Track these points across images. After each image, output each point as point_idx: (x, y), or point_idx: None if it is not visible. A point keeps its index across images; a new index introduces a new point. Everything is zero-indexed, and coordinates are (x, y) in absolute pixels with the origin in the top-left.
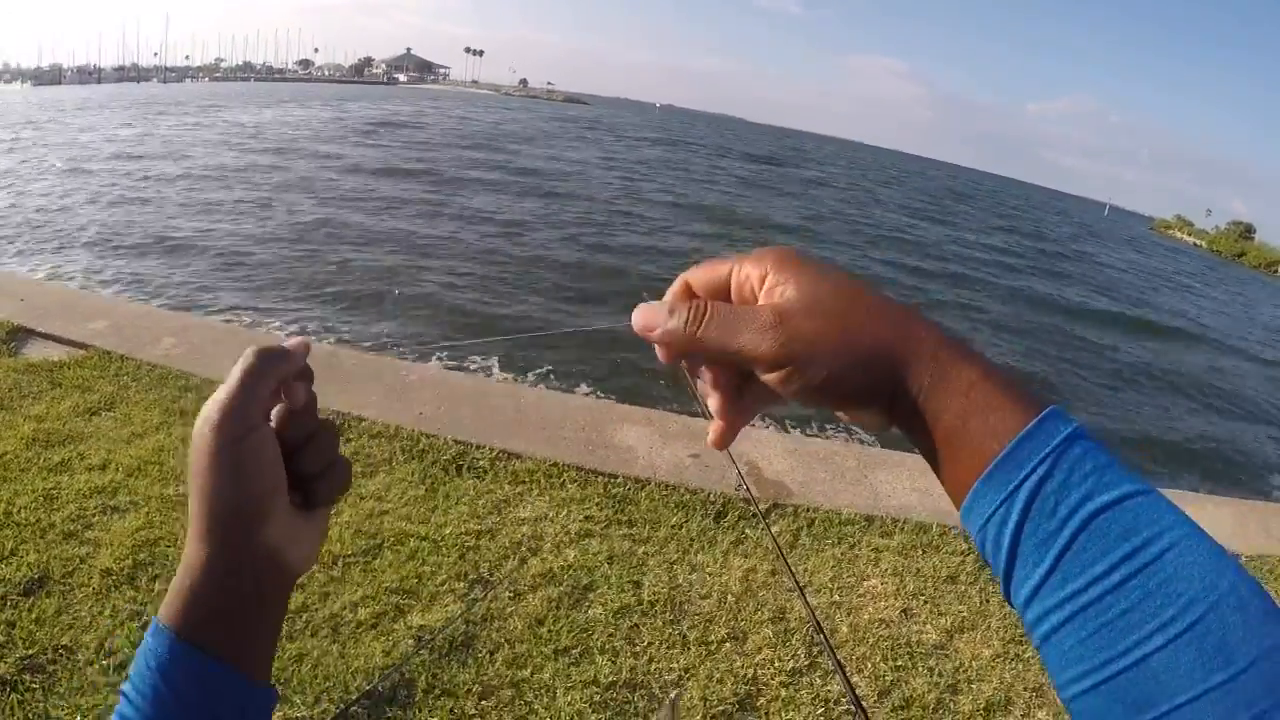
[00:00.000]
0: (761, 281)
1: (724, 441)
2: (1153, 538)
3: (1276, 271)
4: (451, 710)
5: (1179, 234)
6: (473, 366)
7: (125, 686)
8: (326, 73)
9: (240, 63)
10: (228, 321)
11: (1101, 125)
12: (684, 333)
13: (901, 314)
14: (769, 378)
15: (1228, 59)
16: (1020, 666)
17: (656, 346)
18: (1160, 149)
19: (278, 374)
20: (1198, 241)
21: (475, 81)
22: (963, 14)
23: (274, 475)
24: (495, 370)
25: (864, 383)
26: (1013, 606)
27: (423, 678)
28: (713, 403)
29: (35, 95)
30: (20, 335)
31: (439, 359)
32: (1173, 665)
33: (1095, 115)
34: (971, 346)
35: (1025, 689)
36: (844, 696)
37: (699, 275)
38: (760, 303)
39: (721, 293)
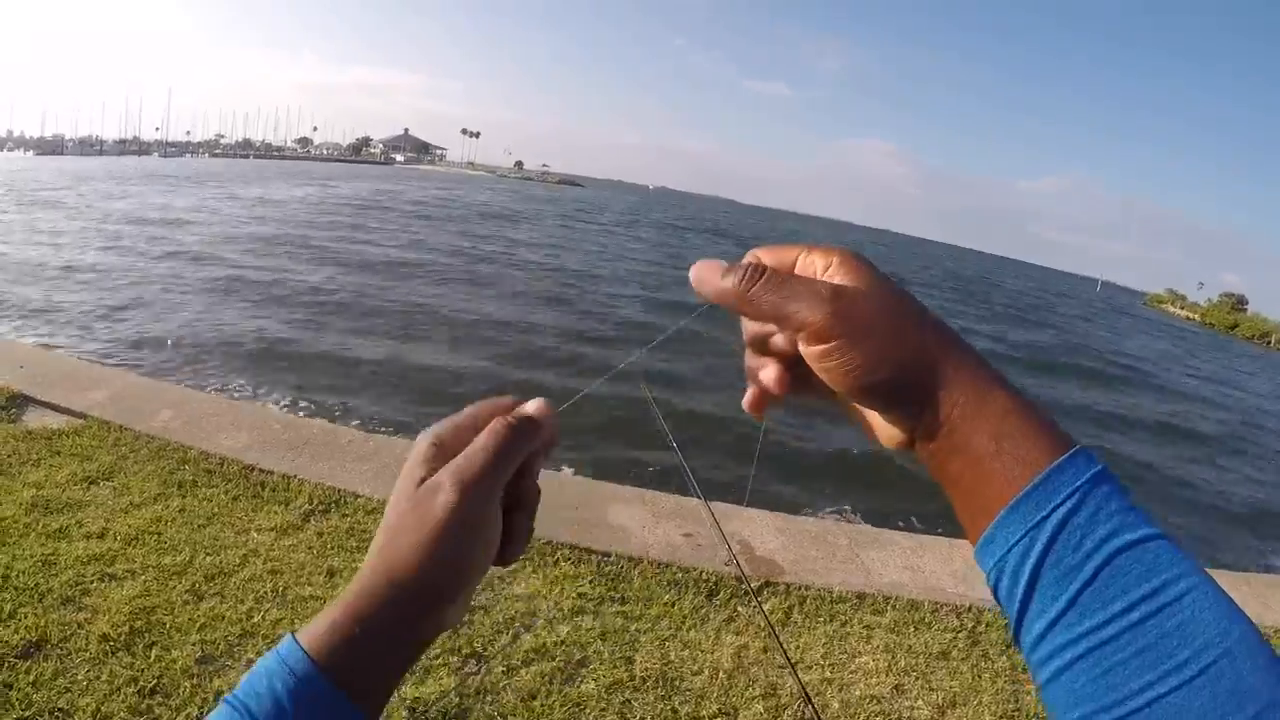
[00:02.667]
0: (825, 269)
1: (755, 405)
2: (1171, 580)
3: (1269, 342)
4: None
5: (1171, 308)
6: None
7: (237, 697)
8: (325, 151)
9: (240, 139)
10: (221, 391)
11: (1091, 201)
12: (736, 290)
13: (949, 333)
14: (810, 351)
15: (1216, 129)
16: None
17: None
18: (1150, 222)
19: (528, 449)
20: (1190, 315)
21: (471, 163)
22: (951, 94)
23: (491, 555)
24: None
25: (900, 381)
26: (1018, 645)
27: None
28: (765, 373)
29: (40, 164)
30: (20, 402)
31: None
32: (1186, 708)
33: (1084, 190)
34: (1006, 377)
35: None
36: None
37: (768, 252)
38: None
39: (787, 271)
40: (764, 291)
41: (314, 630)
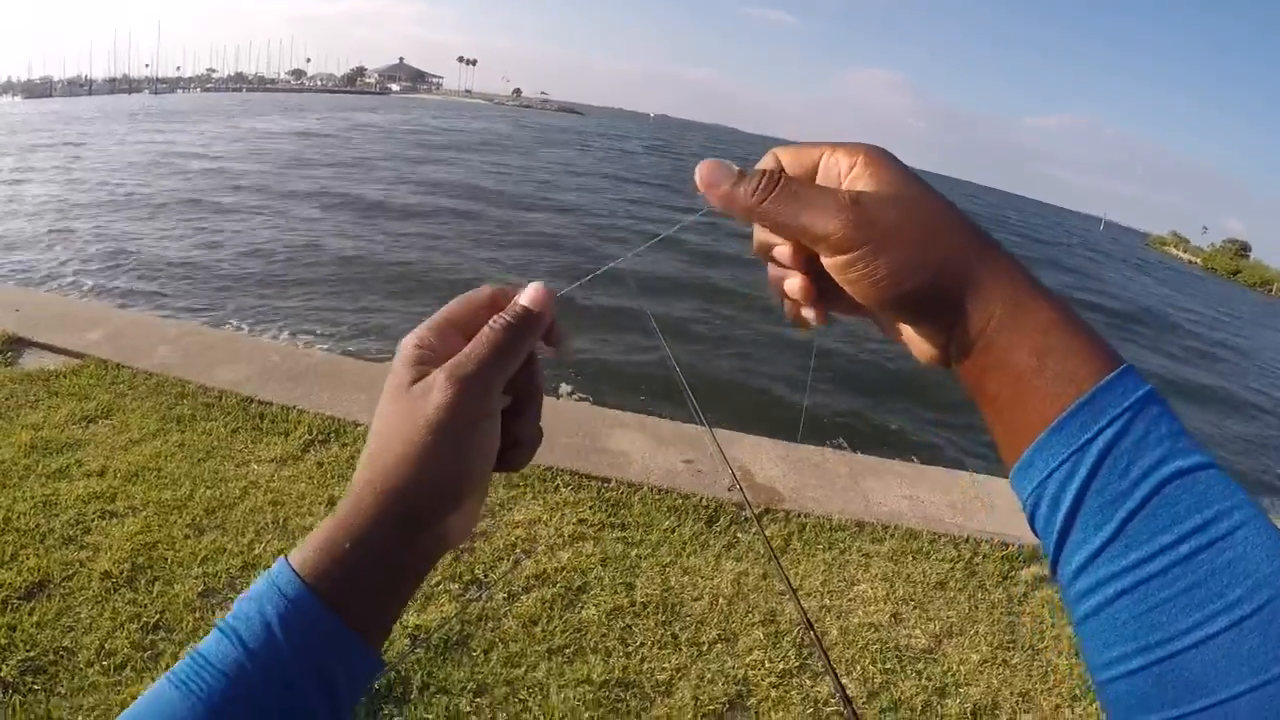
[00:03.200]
0: (850, 170)
1: (795, 317)
2: (1223, 512)
3: (1271, 290)
4: (447, 707)
5: (1174, 250)
6: None
7: (227, 622)
8: (319, 83)
9: (232, 73)
10: (221, 328)
11: (1096, 139)
12: (747, 200)
13: (983, 236)
14: (831, 263)
15: (1225, 72)
16: (1007, 672)
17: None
18: (1155, 164)
19: (529, 345)
20: (1193, 259)
21: (469, 91)
22: (960, 26)
23: (490, 461)
24: None
25: (930, 290)
26: (1054, 576)
27: (418, 675)
28: (791, 284)
29: (30, 108)
30: (16, 345)
31: None
32: (1235, 650)
33: (1090, 129)
34: (1047, 286)
35: (1012, 694)
36: (833, 698)
37: (789, 153)
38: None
39: (808, 177)
40: (778, 203)
41: (306, 551)
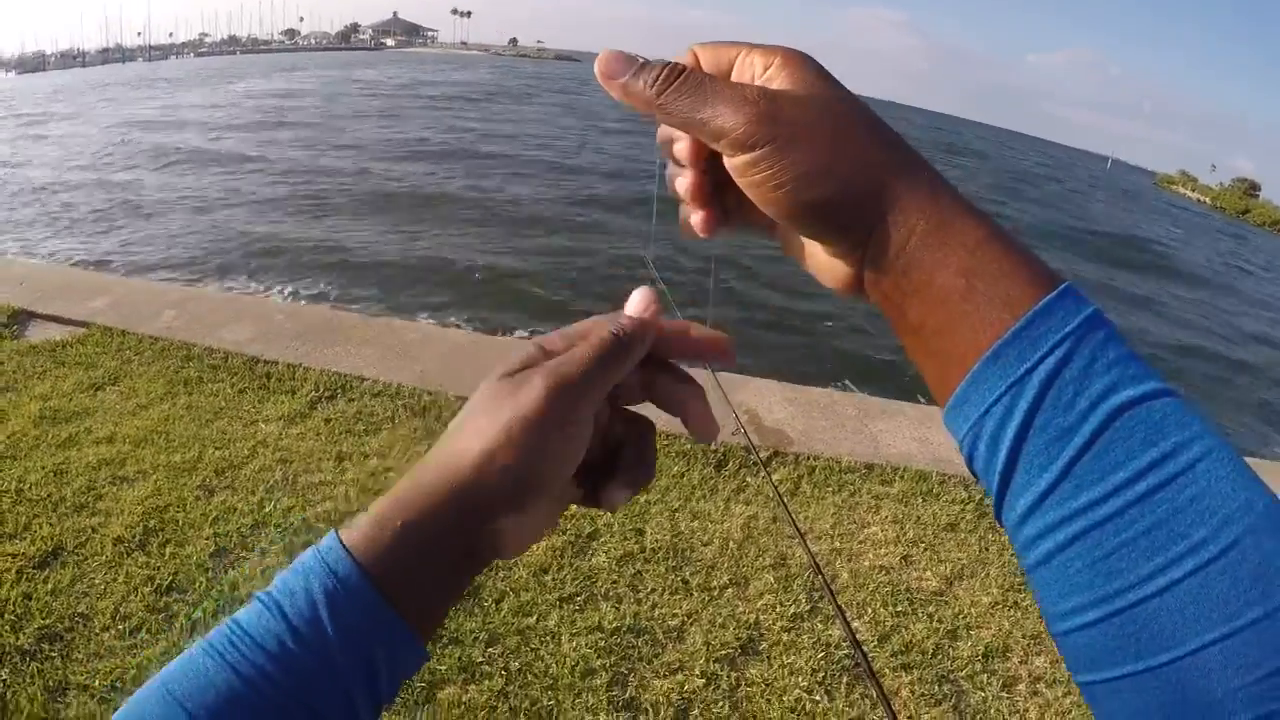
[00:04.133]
0: (764, 71)
1: (694, 228)
2: (1182, 445)
3: None
4: (459, 658)
5: (1183, 189)
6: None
7: (269, 595)
8: (313, 41)
9: (225, 37)
10: (227, 290)
11: (1102, 77)
12: (646, 93)
13: (905, 148)
14: (734, 162)
15: (1240, 4)
16: (1019, 614)
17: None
18: (1162, 102)
19: (636, 355)
20: (1201, 198)
21: (464, 43)
22: None
23: (567, 469)
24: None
25: (840, 198)
26: (1001, 523)
27: None
28: (681, 182)
29: (23, 83)
30: (22, 318)
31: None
32: (1203, 595)
33: (1095, 66)
34: (974, 202)
35: (1024, 636)
36: (844, 641)
37: (708, 50)
38: None
39: (723, 74)
40: (679, 95)
41: (359, 529)
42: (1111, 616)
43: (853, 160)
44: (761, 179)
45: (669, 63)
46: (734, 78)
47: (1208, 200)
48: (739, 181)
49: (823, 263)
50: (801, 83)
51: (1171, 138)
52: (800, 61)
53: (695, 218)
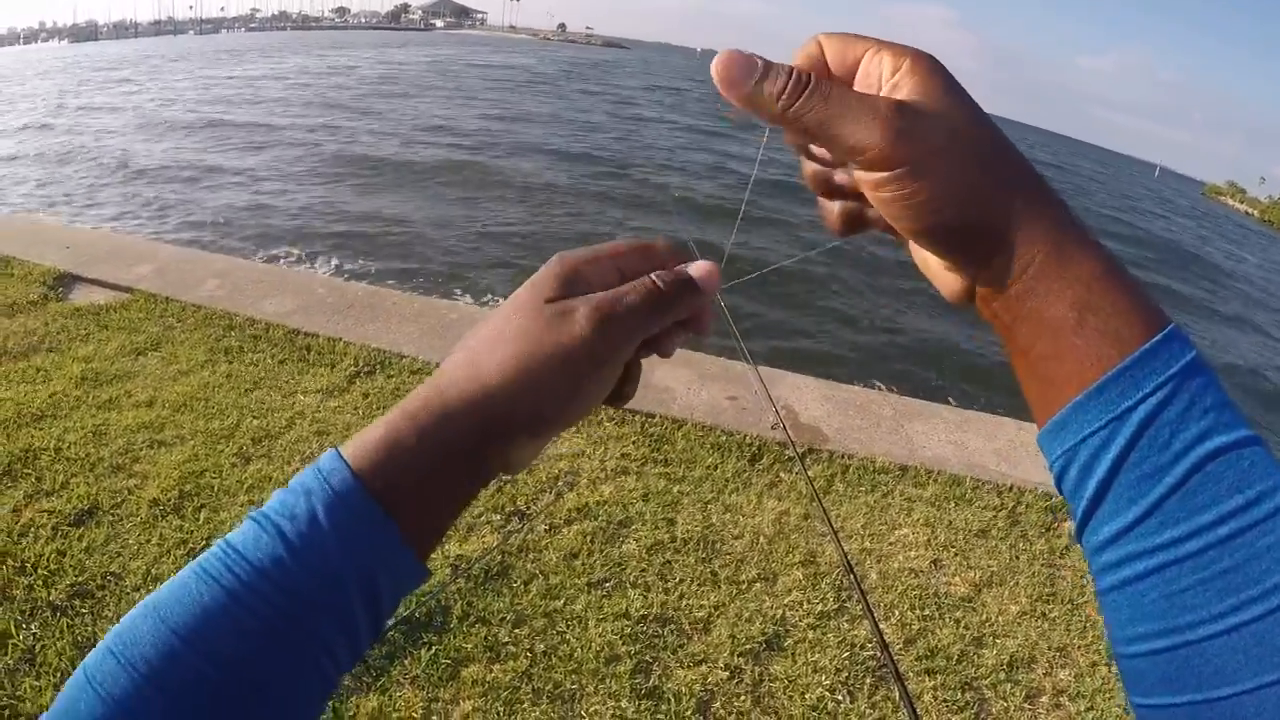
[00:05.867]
0: (893, 75)
1: (837, 222)
2: (1266, 493)
3: None
4: (486, 637)
5: (1231, 201)
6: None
7: (264, 514)
8: (363, 20)
9: (276, 12)
10: (269, 262)
11: (1152, 82)
12: (776, 104)
13: (1033, 173)
14: (865, 178)
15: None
16: (1045, 625)
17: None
18: (1213, 111)
19: (681, 314)
20: (1250, 210)
21: (513, 26)
22: None
23: (593, 405)
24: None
25: (969, 224)
26: (1080, 542)
27: (459, 605)
28: (815, 178)
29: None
30: (67, 281)
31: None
32: (1268, 639)
33: (1145, 70)
34: (1096, 236)
35: (1049, 648)
36: (870, 642)
37: (834, 42)
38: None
39: (849, 71)
40: (809, 108)
41: (362, 445)
42: (1178, 648)
43: (981, 189)
44: (892, 198)
45: (794, 69)
46: (860, 77)
47: (1255, 213)
48: (869, 196)
49: (939, 273)
50: (932, 93)
51: (1219, 146)
52: (931, 68)
53: (830, 217)
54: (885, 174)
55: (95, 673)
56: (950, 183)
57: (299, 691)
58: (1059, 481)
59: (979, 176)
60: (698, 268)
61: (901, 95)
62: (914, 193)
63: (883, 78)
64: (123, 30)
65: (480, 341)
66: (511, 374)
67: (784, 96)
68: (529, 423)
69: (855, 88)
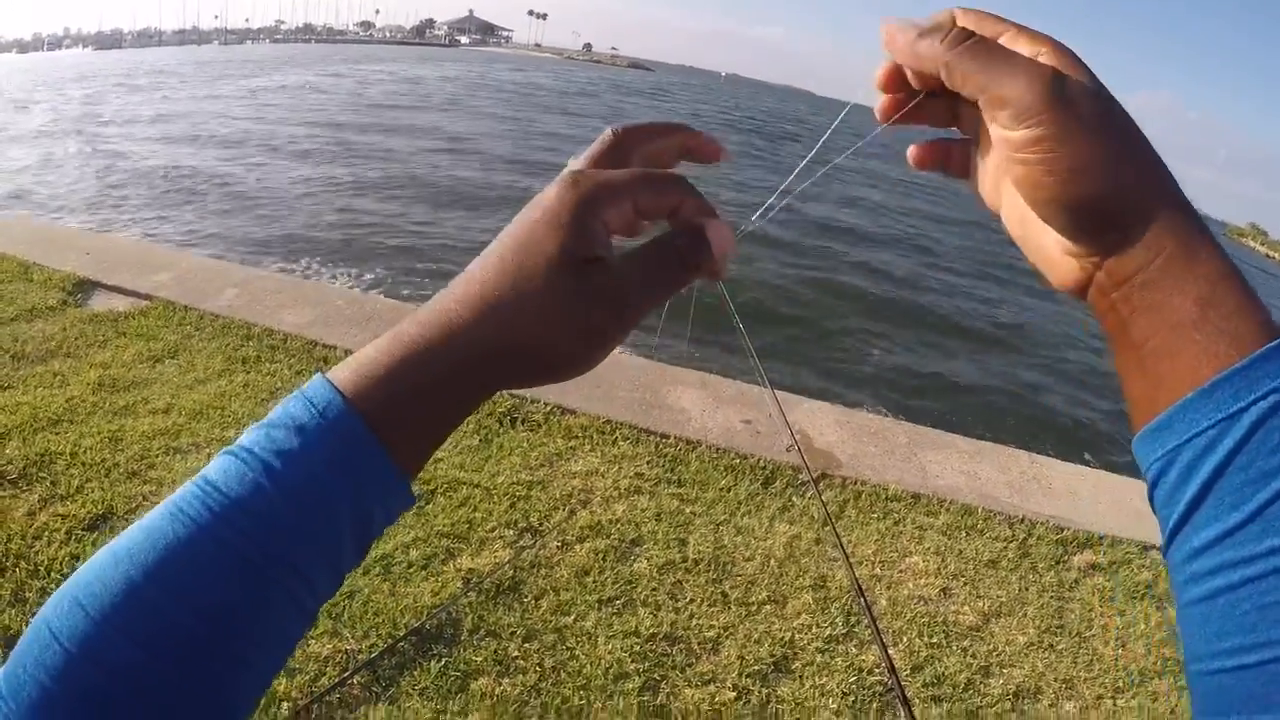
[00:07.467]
0: (1033, 57)
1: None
2: None
3: None
4: (495, 651)
5: (1252, 243)
6: None
7: (243, 447)
8: (387, 34)
9: (301, 24)
10: (284, 271)
11: (1179, 122)
12: (936, 49)
13: (1164, 168)
14: (1011, 135)
15: None
16: (1053, 657)
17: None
18: (1236, 150)
19: (671, 204)
20: (1271, 253)
21: (538, 45)
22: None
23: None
24: None
25: (1107, 201)
26: (1166, 551)
27: (469, 618)
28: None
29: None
30: (86, 287)
31: None
32: None
33: (1173, 110)
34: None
35: (1056, 679)
36: (878, 667)
37: (971, 17)
38: None
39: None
40: (969, 56)
41: (352, 372)
42: (1269, 664)
43: (1127, 167)
44: (1036, 159)
45: (957, 27)
46: None
47: (1277, 256)
48: (1009, 156)
49: (1052, 257)
50: (1079, 74)
51: (1241, 186)
52: (1071, 60)
53: (911, 148)
54: (1033, 131)
55: (59, 625)
56: (1097, 153)
57: (281, 628)
58: (1153, 487)
59: (1124, 154)
60: (716, 229)
61: None
62: (1059, 157)
63: None
64: (146, 39)
65: (483, 268)
66: (506, 306)
67: (948, 40)
68: (511, 343)
69: None
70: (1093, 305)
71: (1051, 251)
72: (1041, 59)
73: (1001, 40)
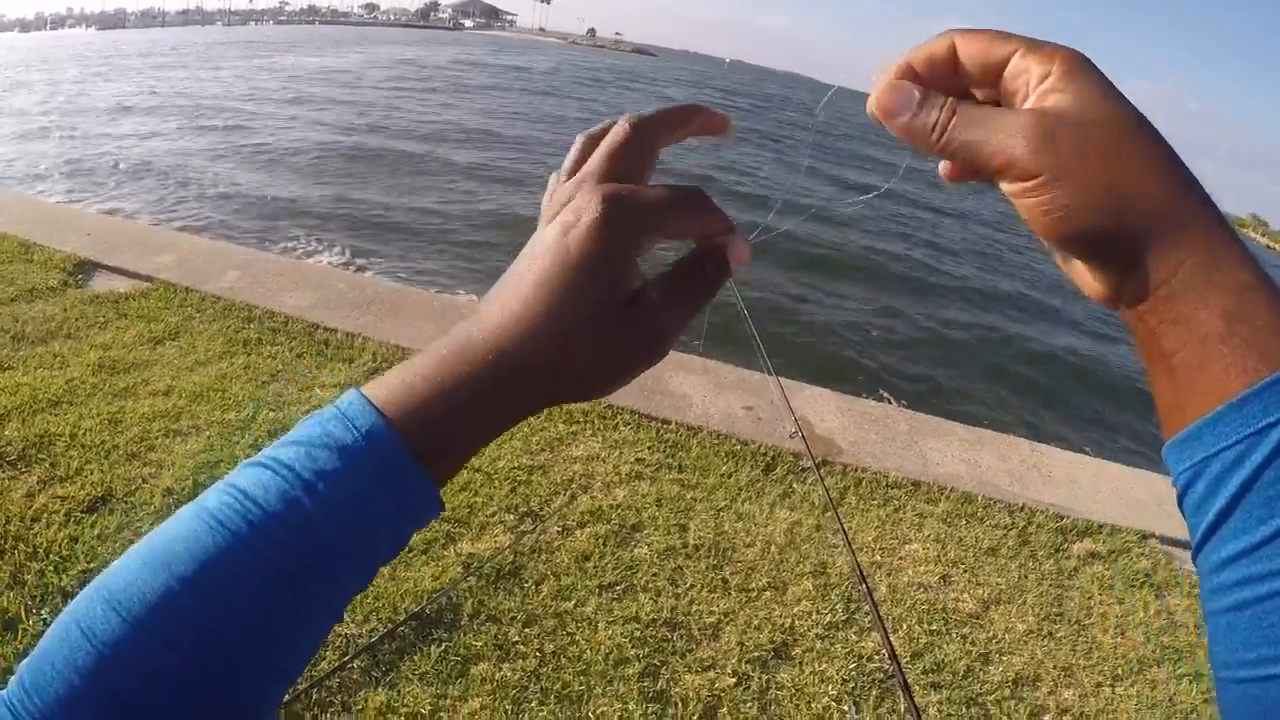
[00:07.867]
0: (1040, 81)
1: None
2: None
3: None
4: (495, 636)
5: (1253, 234)
6: None
7: (288, 462)
8: (391, 17)
9: (305, 6)
10: (285, 252)
11: (1181, 112)
12: (930, 137)
13: (1183, 174)
14: (1011, 188)
15: None
16: (1052, 644)
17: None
18: (1238, 141)
19: (690, 230)
20: (1271, 244)
21: (542, 29)
22: None
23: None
24: None
25: (1109, 230)
26: (1195, 560)
27: (469, 603)
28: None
29: (103, 39)
30: (87, 268)
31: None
32: None
33: (1175, 101)
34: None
35: (1055, 666)
36: (877, 654)
37: (971, 43)
38: (1030, 105)
39: (991, 73)
40: (959, 134)
41: (391, 389)
42: None
43: (1125, 192)
44: (1032, 203)
45: (946, 100)
46: (1007, 78)
47: (1277, 247)
48: (1012, 201)
49: (1082, 274)
50: (1081, 97)
51: (1244, 179)
52: (1082, 71)
53: (943, 165)
54: (1025, 184)
55: (91, 626)
56: (1090, 191)
57: (312, 633)
58: (1182, 496)
59: (1122, 182)
60: (735, 244)
61: (1050, 100)
62: (1052, 201)
63: (1030, 83)
64: (150, 19)
65: (520, 297)
66: (540, 328)
67: (938, 127)
68: (554, 375)
69: (1002, 89)
70: (1124, 318)
71: (1081, 272)
72: (1050, 83)
73: (1011, 60)
